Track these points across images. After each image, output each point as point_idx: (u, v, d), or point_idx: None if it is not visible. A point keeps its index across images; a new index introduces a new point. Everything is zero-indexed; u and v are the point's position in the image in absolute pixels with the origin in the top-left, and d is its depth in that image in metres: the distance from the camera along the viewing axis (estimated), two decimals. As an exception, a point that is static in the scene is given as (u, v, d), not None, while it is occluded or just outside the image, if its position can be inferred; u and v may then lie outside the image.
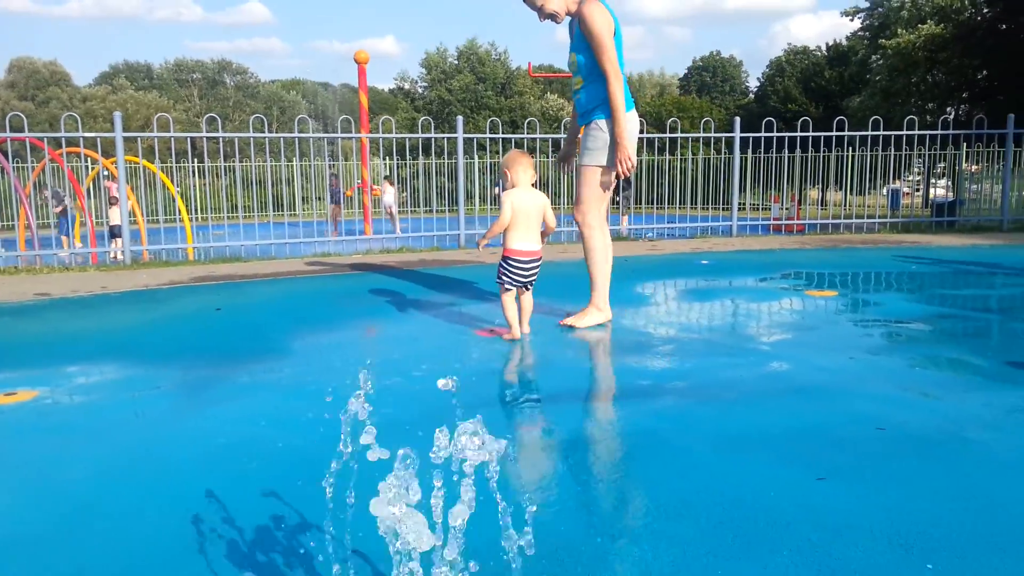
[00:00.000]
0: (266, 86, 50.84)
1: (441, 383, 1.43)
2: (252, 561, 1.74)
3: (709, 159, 13.08)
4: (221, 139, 8.06)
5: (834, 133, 10.67)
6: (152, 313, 5.05)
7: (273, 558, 1.75)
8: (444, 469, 1.31)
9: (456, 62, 39.31)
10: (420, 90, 40.40)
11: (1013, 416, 2.69)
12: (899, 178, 17.74)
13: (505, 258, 4.04)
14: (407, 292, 5.66)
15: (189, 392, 3.26)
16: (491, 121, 10.89)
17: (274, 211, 12.28)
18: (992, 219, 11.66)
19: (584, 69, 4.20)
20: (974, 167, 13.53)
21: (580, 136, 4.40)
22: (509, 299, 4.10)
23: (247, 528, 1.90)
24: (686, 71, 63.36)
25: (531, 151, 11.59)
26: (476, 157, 12.26)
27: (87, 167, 12.46)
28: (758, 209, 14.94)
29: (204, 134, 8.42)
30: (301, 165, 11.98)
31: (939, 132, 11.12)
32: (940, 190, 18.34)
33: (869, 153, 11.38)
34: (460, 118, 9.58)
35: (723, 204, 11.81)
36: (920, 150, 12.01)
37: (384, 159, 16.80)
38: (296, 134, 8.90)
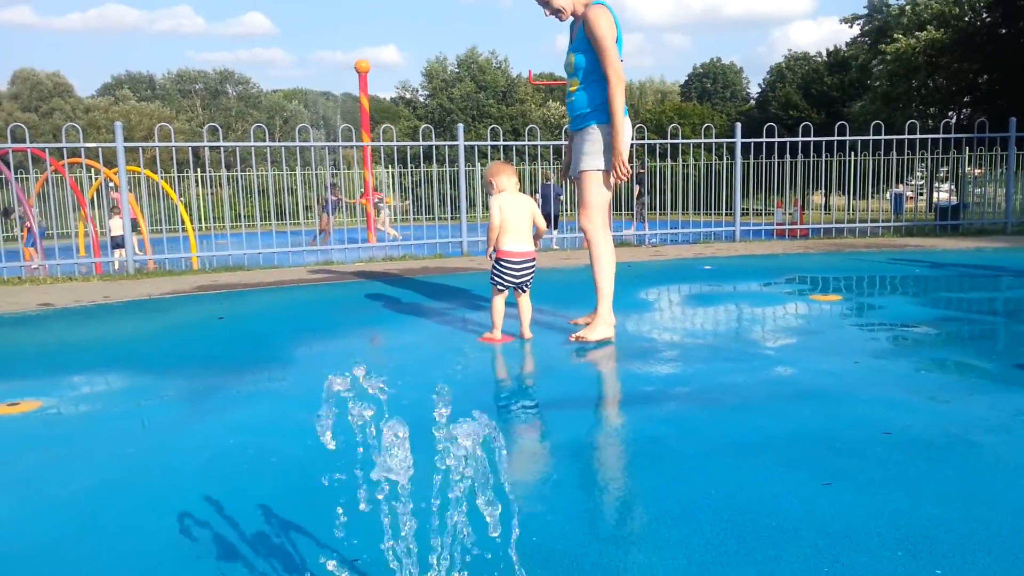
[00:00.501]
0: (268, 96, 50.99)
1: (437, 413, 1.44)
2: (255, 571, 1.73)
3: (711, 165, 13.07)
4: (223, 148, 8.08)
5: (836, 138, 10.67)
6: (155, 322, 5.05)
7: (275, 568, 1.74)
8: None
9: (457, 70, 39.41)
10: (422, 99, 40.51)
11: (1020, 419, 2.67)
12: (902, 182, 17.73)
13: (498, 260, 4.16)
14: (409, 300, 5.66)
15: (193, 401, 3.26)
16: (492, 128, 10.91)
17: (277, 220, 12.29)
18: (996, 222, 11.65)
19: (581, 71, 4.16)
20: (976, 171, 13.51)
21: (573, 141, 4.34)
22: (499, 301, 4.22)
23: (250, 538, 1.90)
24: (687, 78, 63.41)
25: (532, 158, 11.59)
26: (478, 164, 12.28)
27: (90, 177, 12.50)
28: (761, 214, 14.92)
29: (206, 143, 8.43)
30: (303, 174, 12.01)
31: (941, 136, 11.12)
32: (943, 194, 18.32)
33: (871, 157, 11.37)
34: (461, 126, 9.60)
35: (726, 209, 11.81)
36: (923, 154, 12.00)
37: (386, 167, 16.83)
38: (298, 143, 8.92)
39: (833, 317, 4.89)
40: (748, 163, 11.12)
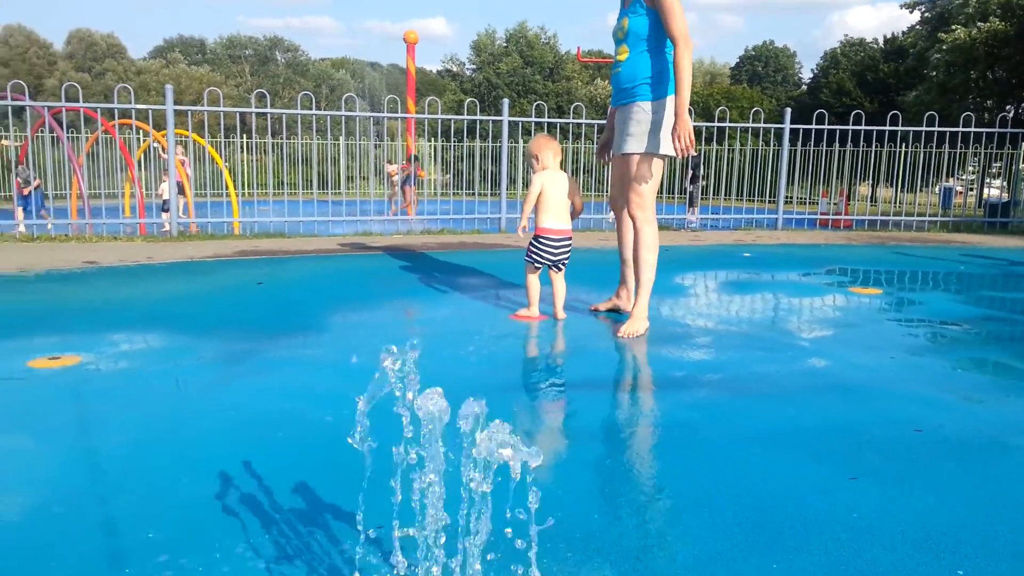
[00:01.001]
0: (316, 64, 51.25)
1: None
2: (279, 531, 1.77)
3: (757, 150, 12.87)
4: (270, 115, 8.14)
5: (887, 128, 10.44)
6: (196, 284, 5.14)
7: (296, 529, 1.78)
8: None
9: (505, 45, 39.19)
10: (468, 72, 40.40)
11: (1057, 424, 2.62)
12: (952, 176, 17.31)
13: (537, 237, 4.16)
14: (445, 273, 5.69)
15: (229, 364, 3.32)
16: (537, 105, 10.85)
17: (319, 189, 12.39)
18: (1048, 221, 11.33)
19: (634, 36, 3.77)
20: (1031, 167, 13.15)
21: (619, 115, 3.97)
22: (535, 279, 4.22)
23: (275, 500, 1.94)
24: (738, 60, 62.35)
25: (577, 137, 11.53)
26: (521, 141, 12.24)
27: (139, 139, 12.71)
28: (805, 203, 14.68)
29: (253, 109, 8.51)
30: (347, 143, 12.09)
31: (996, 130, 10.81)
32: (995, 190, 17.85)
33: (923, 150, 11.11)
34: (506, 101, 9.56)
35: (769, 196, 11.65)
36: (976, 148, 11.68)
37: (429, 140, 16.85)
38: (343, 112, 8.96)
39: (872, 311, 4.82)
40: (795, 150, 10.93)
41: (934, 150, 11.21)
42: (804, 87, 47.16)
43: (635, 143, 3.84)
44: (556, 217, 4.14)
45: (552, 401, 2.90)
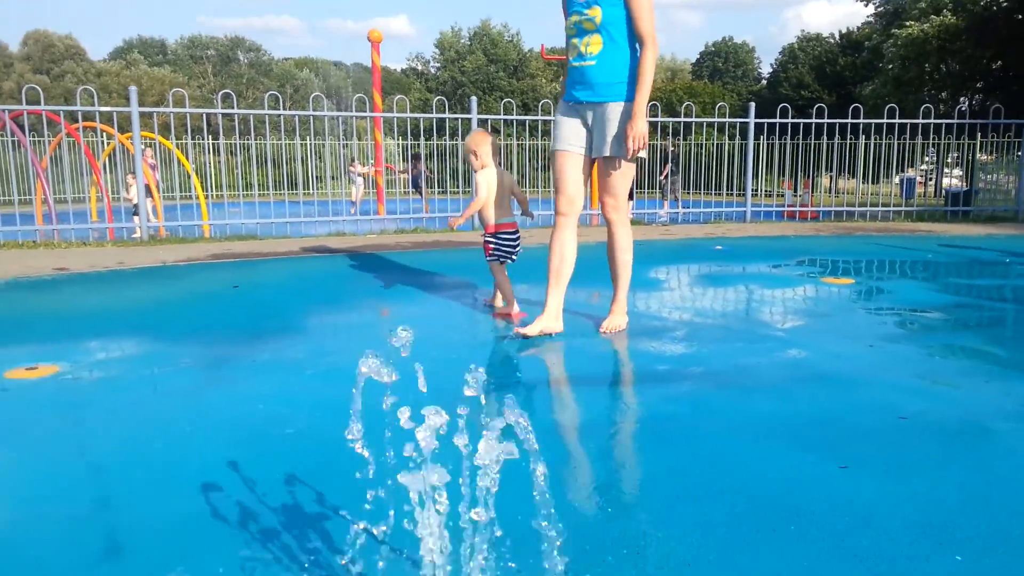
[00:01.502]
0: (279, 64, 50.71)
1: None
2: (271, 536, 1.76)
3: (723, 145, 12.99)
4: (236, 116, 8.05)
5: (849, 120, 10.60)
6: (170, 289, 5.07)
7: (292, 532, 1.77)
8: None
9: (469, 43, 39.11)
10: (433, 70, 40.26)
11: (1034, 408, 2.69)
12: (912, 167, 17.61)
13: (495, 235, 4.25)
14: (422, 272, 5.67)
15: (209, 369, 3.28)
16: (505, 103, 10.86)
17: (289, 190, 12.29)
18: (1007, 209, 11.59)
19: (611, 28, 3.54)
20: (984, 157, 13.43)
21: (588, 120, 3.71)
22: (504, 274, 4.31)
23: (266, 504, 1.92)
24: (698, 56, 62.86)
25: (544, 134, 11.54)
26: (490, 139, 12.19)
27: (103, 142, 12.46)
28: (771, 195, 14.86)
29: (219, 110, 8.41)
30: (315, 143, 11.99)
31: (955, 121, 11.04)
32: (954, 180, 18.21)
33: (884, 141, 11.31)
34: (474, 99, 9.55)
35: (736, 190, 11.76)
36: (934, 139, 11.92)
37: (398, 139, 16.76)
38: (311, 112, 8.89)
39: (845, 300, 4.90)
40: (759, 143, 11.06)
41: (895, 141, 11.40)
42: (764, 82, 47.69)
43: (621, 147, 3.63)
44: (506, 212, 4.27)
45: (537, 400, 2.91)
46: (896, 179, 18.01)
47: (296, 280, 5.48)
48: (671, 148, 15.13)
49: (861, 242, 8.06)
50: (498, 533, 1.42)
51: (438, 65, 39.81)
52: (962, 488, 2.02)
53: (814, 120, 10.65)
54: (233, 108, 8.41)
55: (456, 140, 11.76)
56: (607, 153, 3.66)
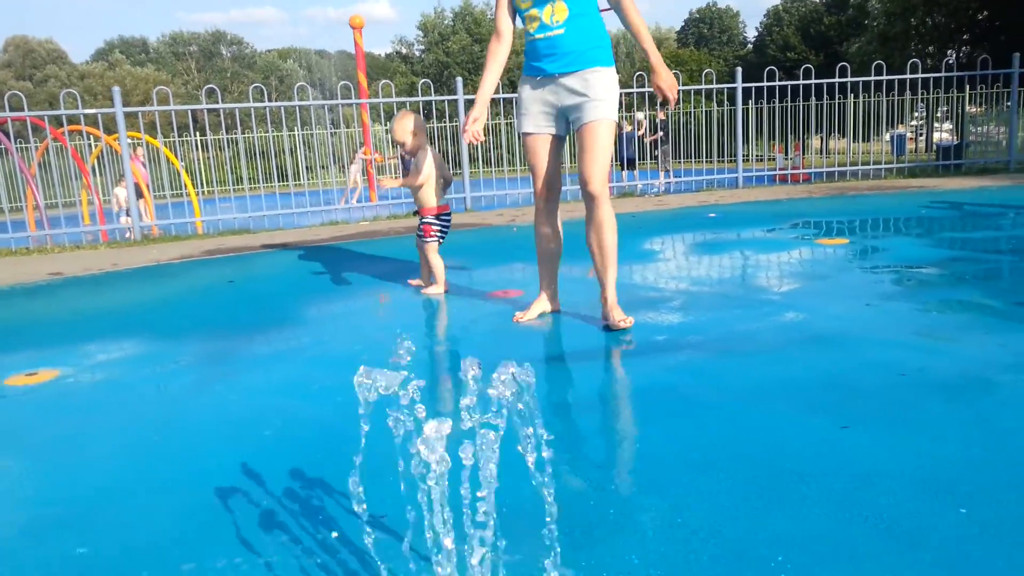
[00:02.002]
0: (263, 56, 50.34)
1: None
2: (279, 531, 1.77)
3: (711, 111, 12.94)
4: (222, 111, 8.01)
5: (836, 80, 10.55)
6: (166, 288, 5.07)
7: (303, 527, 1.78)
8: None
9: (452, 24, 38.86)
10: (418, 53, 40.01)
11: (1033, 357, 2.69)
12: (902, 123, 17.58)
13: (436, 216, 4.34)
14: (416, 256, 5.66)
15: (208, 365, 3.29)
16: (491, 82, 10.79)
17: (279, 182, 12.24)
18: (999, 160, 11.57)
19: None
20: (973, 109, 13.38)
21: (558, 94, 3.39)
22: (438, 255, 4.41)
23: (273, 498, 1.93)
24: (683, 24, 62.41)
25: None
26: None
27: (90, 145, 12.41)
28: (763, 160, 14.84)
29: (204, 106, 8.36)
30: (303, 134, 11.94)
31: (943, 75, 10.99)
32: (944, 134, 18.17)
33: (872, 99, 11.26)
34: (460, 80, 9.50)
35: (727, 156, 11.74)
36: (923, 94, 11.88)
37: (385, 124, 16.68)
38: (296, 102, 8.84)
39: (841, 261, 4.90)
40: (747, 108, 11.02)
41: (883, 98, 11.36)
42: (750, 46, 47.45)
43: (603, 109, 3.32)
44: (441, 194, 4.37)
45: (539, 373, 2.91)
46: (887, 136, 17.97)
47: (291, 271, 5.48)
48: (660, 117, 15.09)
49: (854, 202, 8.05)
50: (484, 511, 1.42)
51: (422, 48, 39.57)
52: (964, 443, 2.02)
53: (801, 82, 10.60)
54: (218, 103, 8.35)
55: (444, 123, 11.74)
56: (588, 119, 3.30)
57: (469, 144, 3.46)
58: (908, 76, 10.76)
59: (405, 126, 4.20)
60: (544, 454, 1.37)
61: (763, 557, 1.53)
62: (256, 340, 3.62)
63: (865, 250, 5.36)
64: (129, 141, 7.93)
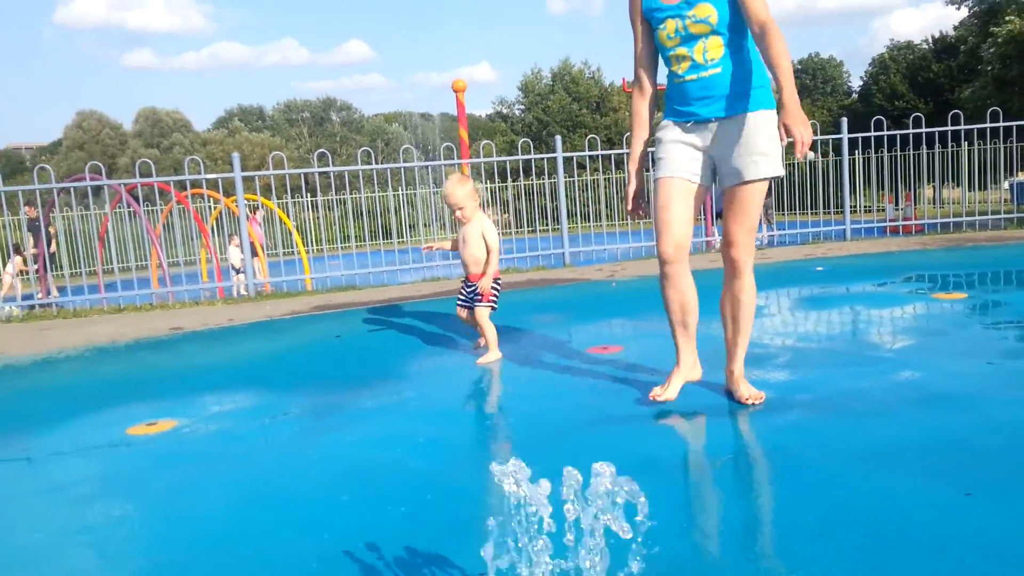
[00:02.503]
0: (370, 120, 52.52)
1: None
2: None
3: (816, 162, 12.66)
4: (332, 173, 8.40)
5: (949, 127, 10.18)
6: (277, 342, 5.26)
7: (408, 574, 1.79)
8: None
9: (551, 84, 39.59)
10: (518, 113, 40.87)
11: None
12: (1022, 170, 16.73)
13: (496, 280, 4.30)
14: (517, 312, 5.71)
15: (316, 417, 3.39)
16: (590, 139, 10.91)
17: (384, 239, 12.63)
18: None
19: (728, 26, 2.84)
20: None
21: (709, 141, 2.96)
22: (491, 322, 4.31)
23: (380, 550, 1.96)
24: (786, 75, 61.58)
25: (632, 166, 11.53)
26: (576, 175, 12.32)
27: (210, 207, 13.17)
28: (871, 211, 14.35)
29: (316, 169, 8.76)
30: (407, 194, 12.34)
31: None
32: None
33: (988, 146, 10.78)
34: (559, 138, 9.65)
35: (834, 208, 11.42)
36: (1047, 140, 11.31)
37: (486, 182, 17.07)
38: (402, 164, 9.16)
39: (959, 316, 4.67)
40: (854, 158, 10.72)
41: (1001, 145, 10.84)
42: (855, 95, 46.34)
43: (767, 165, 2.88)
44: None
45: (647, 431, 2.87)
46: (1005, 184, 17.12)
47: (395, 327, 5.61)
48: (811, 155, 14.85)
49: (971, 253, 7.67)
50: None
51: (522, 107, 40.41)
52: (1103, 511, 1.88)
53: (912, 131, 10.27)
54: (329, 166, 8.75)
55: (543, 179, 11.88)
56: (749, 177, 2.87)
57: (635, 218, 3.17)
58: (1027, 122, 10.28)
59: (466, 190, 4.14)
60: (641, 518, 1.36)
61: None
62: (362, 393, 3.71)
63: (985, 304, 5.09)
64: (247, 203, 8.37)
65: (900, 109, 33.90)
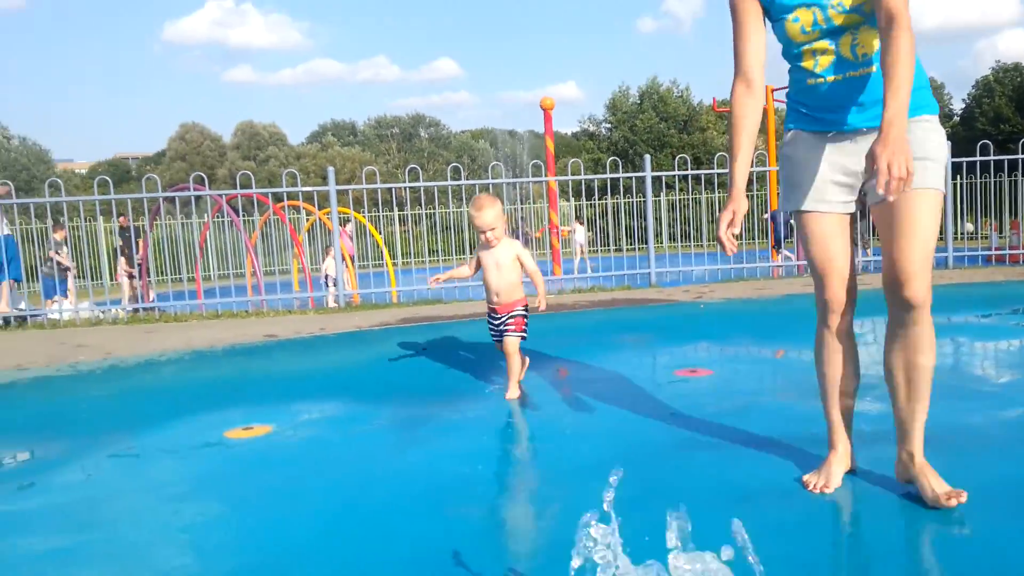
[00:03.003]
0: (457, 136, 53.32)
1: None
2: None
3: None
4: (421, 188, 8.55)
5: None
6: (366, 352, 5.37)
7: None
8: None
9: (639, 102, 39.42)
10: (604, 131, 40.83)
11: None
12: None
13: (524, 307, 3.96)
14: (601, 331, 5.68)
15: (403, 429, 3.44)
16: (680, 158, 10.81)
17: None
18: None
19: (864, 15, 2.22)
20: None
21: (857, 156, 2.26)
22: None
23: (468, 560, 1.97)
24: (883, 96, 59.74)
25: (722, 186, 11.36)
26: (663, 196, 12.22)
27: (304, 218, 13.61)
28: (974, 238, 13.75)
29: (407, 184, 8.95)
30: (493, 210, 12.52)
31: None
32: None
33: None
34: (648, 157, 9.59)
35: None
36: None
37: (571, 200, 17.10)
38: (490, 180, 9.26)
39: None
40: (956, 184, 10.30)
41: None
42: (957, 118, 44.59)
43: (938, 175, 2.24)
44: None
45: (738, 458, 2.80)
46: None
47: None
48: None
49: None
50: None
51: (609, 126, 40.36)
52: None
53: (1020, 156, 9.82)
54: (419, 181, 8.92)
55: (630, 198, 11.86)
56: (919, 184, 2.13)
57: (728, 250, 2.31)
58: None
59: (496, 211, 3.85)
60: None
61: None
62: (448, 406, 3.75)
63: (1103, 340, 4.81)
64: (339, 216, 8.60)
65: (1005, 133, 32.48)
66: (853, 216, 2.41)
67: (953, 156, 9.77)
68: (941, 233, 10.20)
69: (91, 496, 2.75)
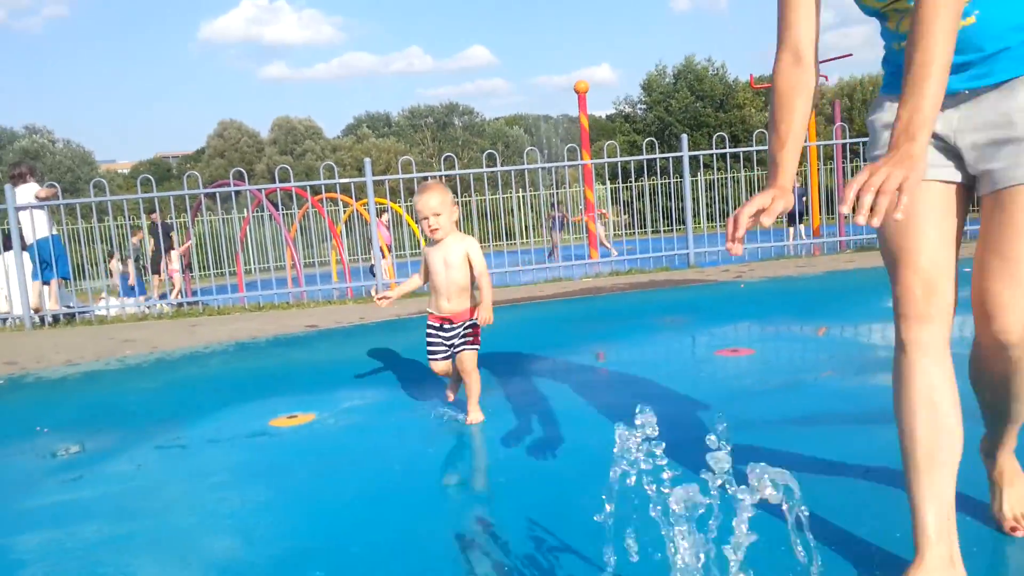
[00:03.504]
0: (491, 123, 53.31)
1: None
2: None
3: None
4: (457, 176, 8.57)
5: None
6: (404, 340, 5.40)
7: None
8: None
9: (674, 82, 39.01)
10: (639, 112, 40.50)
11: None
12: None
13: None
14: (641, 313, 5.65)
15: (442, 417, 3.45)
16: (717, 136, 10.67)
17: (507, 240, 12.78)
18: None
19: None
20: None
21: (957, 126, 1.71)
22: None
23: (508, 545, 1.98)
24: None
25: (760, 163, 11.20)
26: (702, 175, 12.07)
27: (341, 210, 13.74)
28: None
29: (442, 172, 8.97)
30: (530, 195, 12.49)
31: None
32: None
33: None
34: (684, 136, 9.48)
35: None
36: None
37: (608, 183, 17.00)
38: (525, 166, 9.25)
39: None
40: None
41: None
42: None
43: None
44: None
45: (784, 438, 2.77)
46: None
47: (517, 326, 5.66)
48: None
49: None
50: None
51: (644, 107, 40.01)
52: None
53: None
54: (454, 169, 8.94)
55: (667, 179, 11.75)
56: (1014, 180, 1.62)
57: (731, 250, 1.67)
58: None
59: (443, 198, 3.33)
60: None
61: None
62: (489, 393, 3.76)
63: None
64: (375, 207, 8.66)
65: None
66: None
67: None
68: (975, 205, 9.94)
69: (142, 485, 2.82)
